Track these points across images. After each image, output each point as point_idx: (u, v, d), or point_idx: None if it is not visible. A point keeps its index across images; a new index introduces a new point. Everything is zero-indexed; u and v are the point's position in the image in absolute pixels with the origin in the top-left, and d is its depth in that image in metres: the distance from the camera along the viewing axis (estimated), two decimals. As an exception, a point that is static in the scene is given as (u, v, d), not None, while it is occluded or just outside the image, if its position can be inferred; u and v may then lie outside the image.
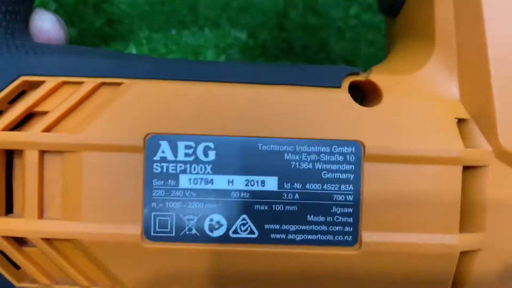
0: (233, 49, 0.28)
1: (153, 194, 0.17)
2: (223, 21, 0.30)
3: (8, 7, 0.20)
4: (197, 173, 0.17)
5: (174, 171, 0.17)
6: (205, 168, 0.18)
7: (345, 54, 0.31)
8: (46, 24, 0.22)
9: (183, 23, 0.30)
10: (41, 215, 0.18)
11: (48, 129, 0.18)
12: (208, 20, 0.30)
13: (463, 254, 0.18)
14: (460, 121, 0.19)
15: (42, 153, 0.18)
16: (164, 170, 0.17)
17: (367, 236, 0.17)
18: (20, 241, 0.19)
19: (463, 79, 0.19)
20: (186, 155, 0.17)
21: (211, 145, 0.18)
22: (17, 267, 0.19)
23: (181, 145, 0.17)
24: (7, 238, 0.18)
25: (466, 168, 0.18)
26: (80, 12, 0.30)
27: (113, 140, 0.17)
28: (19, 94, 0.19)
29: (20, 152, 0.18)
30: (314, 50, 0.31)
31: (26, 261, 0.18)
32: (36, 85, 0.19)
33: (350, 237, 0.18)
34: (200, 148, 0.18)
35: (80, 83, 0.18)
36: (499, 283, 0.18)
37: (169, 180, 0.17)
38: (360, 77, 0.20)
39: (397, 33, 0.23)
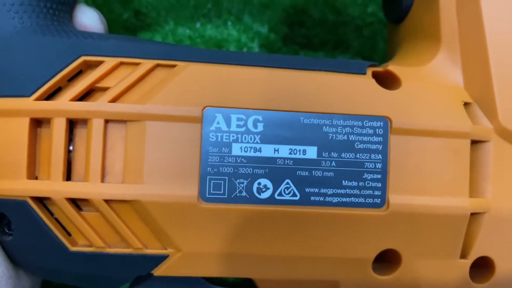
0: (254, 42, 0.31)
1: (209, 160, 0.20)
2: (246, 16, 0.32)
3: (60, -3, 0.22)
4: (247, 142, 0.20)
5: (227, 140, 0.20)
6: (254, 138, 0.20)
7: (362, 50, 0.34)
8: (88, 20, 0.24)
9: (207, 17, 0.32)
10: (103, 179, 0.19)
11: (113, 101, 0.20)
12: (231, 15, 0.32)
13: (473, 215, 0.21)
14: (465, 104, 0.22)
15: (106, 122, 0.20)
16: (219, 139, 0.20)
17: (394, 199, 0.20)
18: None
19: (466, 70, 0.22)
20: (238, 126, 0.20)
21: (260, 118, 0.20)
22: (68, 233, 0.21)
23: (233, 117, 0.20)
24: (69, 201, 0.19)
25: (472, 143, 0.21)
26: (108, 4, 0.32)
27: (175, 111, 0.19)
28: (77, 74, 0.21)
29: (83, 122, 0.20)
30: (333, 46, 0.34)
31: (84, 223, 0.20)
32: (94, 65, 0.20)
33: (379, 200, 0.20)
34: (250, 121, 0.20)
35: (137, 64, 0.20)
36: (502, 243, 0.21)
37: (223, 148, 0.20)
38: (379, 68, 0.23)
39: (402, 36, 0.27)
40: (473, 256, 0.21)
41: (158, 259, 0.20)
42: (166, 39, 0.32)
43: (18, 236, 0.20)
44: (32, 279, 0.23)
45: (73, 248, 0.20)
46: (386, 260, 0.21)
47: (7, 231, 0.21)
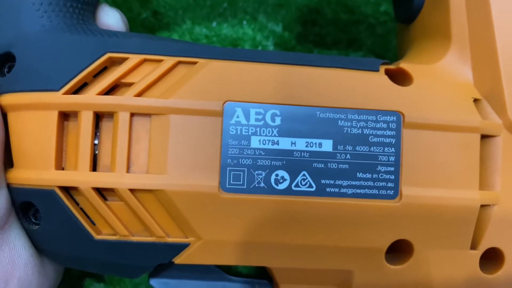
0: (269, 41, 0.32)
1: (229, 152, 0.20)
2: (261, 15, 0.33)
3: (85, -1, 0.23)
4: (266, 135, 0.21)
5: (246, 133, 0.21)
6: (272, 131, 0.21)
7: (375, 48, 0.35)
8: (111, 20, 0.25)
9: (223, 16, 0.33)
10: (128, 170, 0.20)
11: (138, 95, 0.20)
12: (246, 14, 0.33)
13: (482, 207, 0.22)
14: (475, 101, 0.23)
15: (132, 115, 0.20)
16: (238, 132, 0.21)
17: (406, 190, 0.21)
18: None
19: (476, 67, 0.23)
20: (257, 120, 0.21)
21: (278, 112, 0.21)
22: (93, 223, 0.21)
23: (252, 111, 0.21)
24: (95, 190, 0.20)
25: (482, 138, 0.22)
26: (127, 3, 0.33)
27: (197, 105, 0.20)
28: (102, 70, 0.22)
29: (109, 116, 0.21)
30: (346, 44, 0.35)
31: (109, 212, 0.21)
32: (119, 61, 0.21)
33: (392, 191, 0.21)
34: (268, 115, 0.21)
35: (160, 60, 0.21)
36: (511, 234, 0.22)
37: (242, 141, 0.21)
38: (392, 66, 0.24)
39: (413, 36, 0.28)
40: (483, 247, 0.22)
41: (180, 247, 0.21)
42: (183, 37, 0.33)
43: (45, 225, 0.21)
44: (55, 267, 0.24)
45: (97, 237, 0.21)
46: (399, 250, 0.22)
47: (33, 220, 0.22)
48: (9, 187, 0.21)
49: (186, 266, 0.23)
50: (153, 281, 0.24)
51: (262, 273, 0.26)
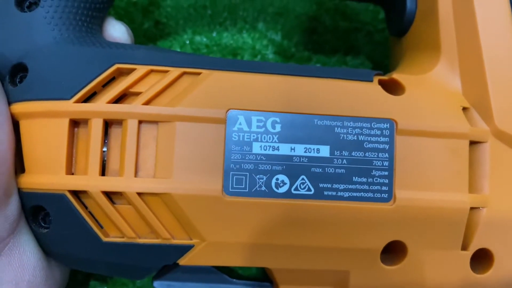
0: (268, 50, 0.33)
1: (232, 157, 0.22)
2: (260, 24, 0.34)
3: (93, 13, 0.25)
4: (266, 141, 0.22)
5: (248, 139, 0.22)
6: (273, 138, 0.22)
7: (373, 55, 0.35)
8: (117, 33, 0.26)
9: (223, 26, 0.34)
10: (136, 174, 0.21)
11: (146, 104, 0.22)
12: (246, 23, 0.34)
13: (472, 210, 0.23)
14: (464, 109, 0.24)
15: (140, 123, 0.22)
16: (241, 138, 0.22)
17: (400, 193, 0.22)
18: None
19: (464, 78, 0.25)
20: (258, 127, 0.22)
21: (278, 119, 0.22)
22: (100, 226, 0.22)
23: (254, 119, 0.22)
24: (105, 194, 0.21)
25: (471, 144, 0.23)
26: (130, 14, 0.34)
27: (201, 113, 0.21)
28: (111, 80, 0.23)
29: (117, 123, 0.22)
30: (344, 51, 0.35)
31: (117, 215, 0.21)
32: (127, 72, 0.23)
33: (386, 194, 0.22)
34: (269, 122, 0.22)
35: (166, 71, 0.23)
36: (500, 236, 0.23)
37: (244, 147, 0.22)
38: (385, 77, 0.25)
39: (404, 48, 0.29)
40: (473, 248, 0.23)
41: (184, 249, 0.22)
42: (184, 47, 0.34)
43: (54, 228, 0.22)
44: (61, 270, 0.25)
45: (105, 239, 0.22)
46: (393, 251, 0.23)
47: (43, 224, 0.23)
48: (19, 192, 0.22)
49: (189, 269, 0.24)
50: (156, 284, 0.25)
51: (262, 276, 0.27)
